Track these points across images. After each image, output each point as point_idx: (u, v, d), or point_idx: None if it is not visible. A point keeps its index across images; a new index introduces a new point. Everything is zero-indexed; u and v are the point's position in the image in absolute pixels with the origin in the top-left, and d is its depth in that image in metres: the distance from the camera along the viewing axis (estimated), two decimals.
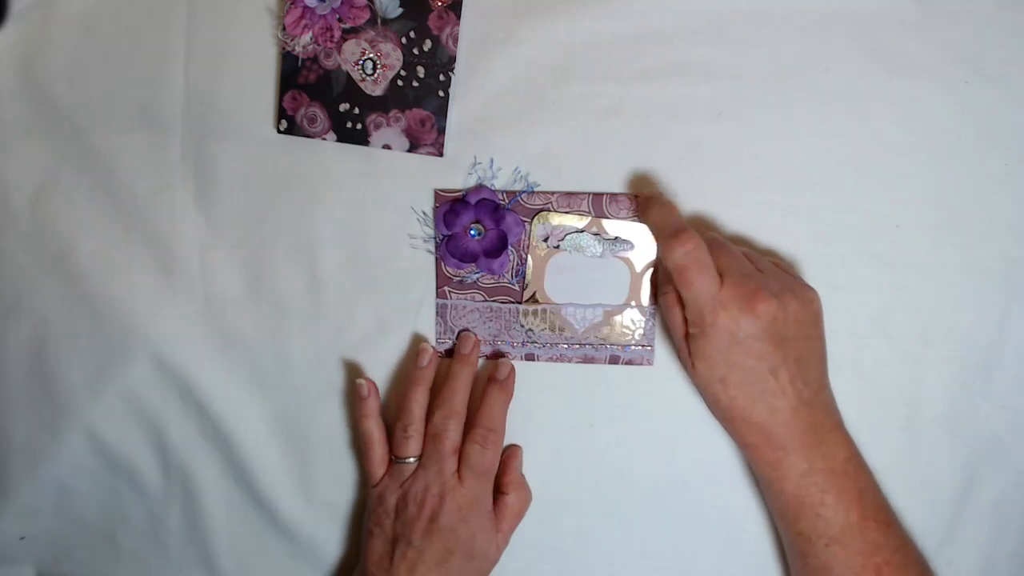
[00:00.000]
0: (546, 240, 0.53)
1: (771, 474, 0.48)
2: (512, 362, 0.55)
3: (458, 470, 0.52)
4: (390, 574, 0.50)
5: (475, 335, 0.54)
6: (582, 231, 0.53)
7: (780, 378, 0.46)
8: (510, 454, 0.55)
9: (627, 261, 0.53)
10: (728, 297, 0.46)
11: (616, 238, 0.53)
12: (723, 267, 0.47)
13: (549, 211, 0.53)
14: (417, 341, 0.55)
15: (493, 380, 0.54)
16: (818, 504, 0.47)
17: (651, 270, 0.53)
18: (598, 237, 0.53)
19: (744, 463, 0.54)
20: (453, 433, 0.52)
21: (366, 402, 0.54)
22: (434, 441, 0.52)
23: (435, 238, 0.54)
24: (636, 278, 0.53)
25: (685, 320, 0.48)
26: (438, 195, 0.54)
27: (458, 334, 0.55)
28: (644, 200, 0.52)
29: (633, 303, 0.54)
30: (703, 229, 0.51)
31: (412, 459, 0.52)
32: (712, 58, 0.52)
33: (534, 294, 0.54)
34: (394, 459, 0.53)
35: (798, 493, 0.47)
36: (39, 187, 0.56)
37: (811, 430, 0.47)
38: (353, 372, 0.56)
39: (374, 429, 0.53)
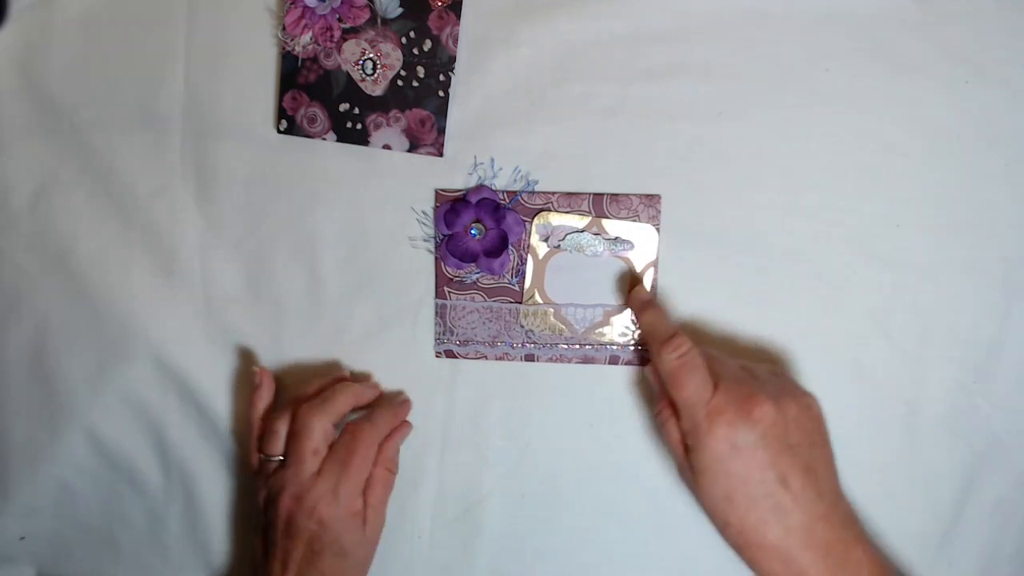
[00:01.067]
0: (546, 240, 0.53)
1: None
2: (512, 363, 0.55)
3: (322, 466, 0.50)
4: (267, 571, 0.49)
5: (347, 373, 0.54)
6: (582, 231, 0.53)
7: (792, 488, 0.43)
8: (398, 428, 0.53)
9: (627, 261, 0.53)
10: (723, 402, 0.44)
11: (616, 238, 0.53)
12: (717, 374, 0.46)
13: (549, 211, 0.53)
14: (418, 339, 0.55)
15: (389, 400, 0.54)
16: None
17: (651, 270, 0.53)
18: (598, 237, 0.53)
19: None
20: (317, 435, 0.50)
21: (259, 391, 0.53)
22: (294, 439, 0.50)
23: (435, 238, 0.54)
24: (635, 279, 0.53)
25: (683, 434, 0.46)
26: (439, 195, 0.54)
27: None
28: (638, 304, 0.52)
29: None
30: (697, 341, 0.51)
31: (276, 457, 0.51)
32: (712, 58, 0.52)
33: (534, 294, 0.54)
34: (263, 457, 0.52)
35: None
36: (39, 187, 0.56)
37: (831, 550, 0.43)
38: (353, 373, 0.56)
39: (258, 421, 0.53)
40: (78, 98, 0.55)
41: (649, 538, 0.55)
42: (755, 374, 0.47)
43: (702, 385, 0.45)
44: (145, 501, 0.57)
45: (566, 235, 0.53)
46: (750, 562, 0.45)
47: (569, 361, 0.55)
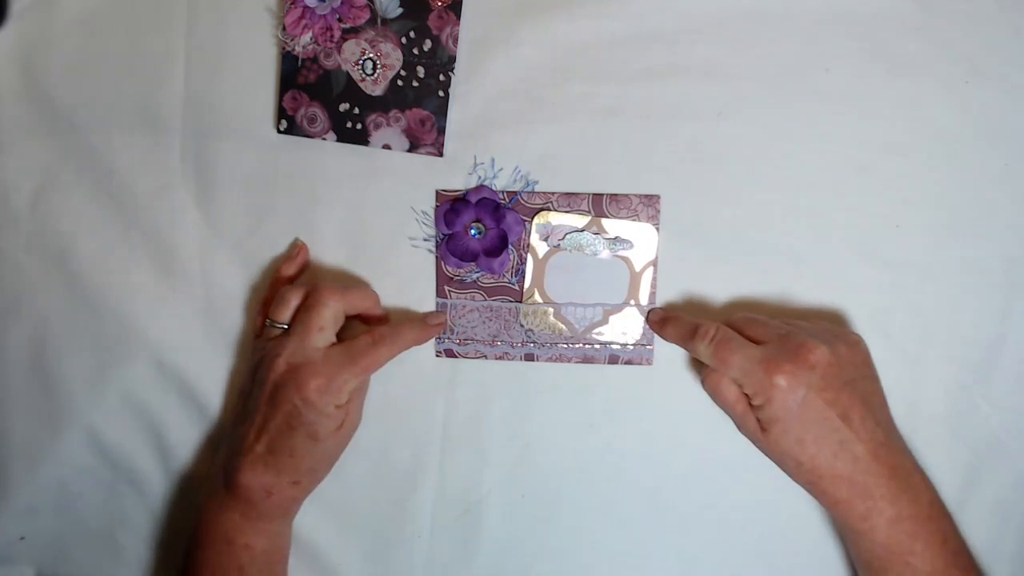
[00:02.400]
0: (546, 239, 0.53)
1: (861, 526, 0.47)
2: (512, 362, 0.55)
3: (331, 349, 0.49)
4: (240, 432, 0.49)
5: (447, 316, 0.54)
6: (582, 230, 0.53)
7: (853, 422, 0.46)
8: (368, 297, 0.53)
9: (627, 260, 0.53)
10: (779, 356, 0.46)
11: (616, 237, 0.53)
12: (761, 336, 0.48)
13: (549, 210, 0.53)
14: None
15: (420, 318, 0.54)
16: (907, 552, 0.46)
17: (651, 269, 0.53)
18: (598, 236, 0.53)
19: (742, 463, 0.54)
20: (329, 312, 0.49)
21: (289, 261, 0.54)
22: (305, 311, 0.50)
23: (435, 237, 0.54)
24: (635, 277, 0.53)
25: (744, 395, 0.48)
26: (440, 195, 0.54)
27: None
28: (657, 324, 0.53)
29: (632, 302, 0.54)
30: (734, 311, 0.52)
31: (282, 325, 0.51)
32: (712, 58, 0.52)
33: (534, 293, 0.54)
34: (269, 323, 0.51)
35: (888, 542, 0.46)
36: (39, 187, 0.56)
37: (894, 474, 0.46)
38: None
39: (273, 287, 0.53)
40: (78, 98, 0.55)
41: (649, 538, 0.55)
42: (798, 326, 0.49)
43: (747, 350, 0.47)
44: (145, 501, 0.58)
45: (566, 235, 0.53)
46: (821, 495, 0.47)
47: (569, 361, 0.55)
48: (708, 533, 0.55)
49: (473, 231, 0.53)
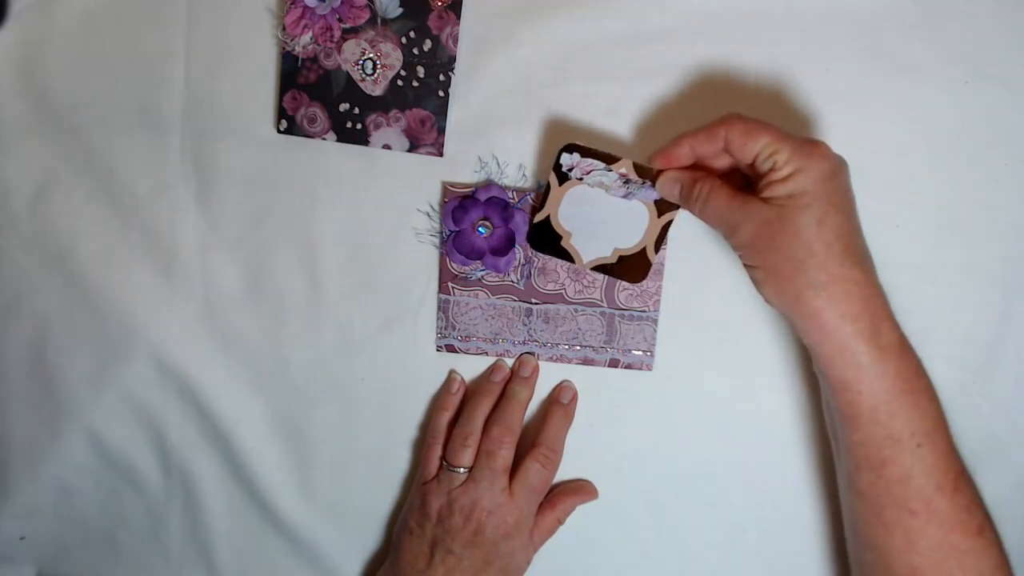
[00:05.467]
0: (570, 171, 0.50)
1: (873, 354, 0.42)
2: (513, 361, 0.55)
3: (511, 484, 0.52)
4: (417, 570, 0.51)
5: (536, 360, 0.55)
6: (610, 170, 0.50)
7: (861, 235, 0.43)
8: (584, 489, 0.55)
9: (650, 206, 0.51)
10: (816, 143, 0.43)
11: (644, 182, 0.49)
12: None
13: (580, 147, 0.49)
14: (419, 339, 0.55)
15: (557, 403, 0.55)
16: (918, 391, 0.42)
17: (670, 220, 0.51)
18: (624, 178, 0.49)
19: (742, 464, 0.54)
20: (507, 452, 0.52)
21: (451, 396, 0.55)
22: (488, 457, 0.52)
23: (441, 233, 0.54)
24: (654, 224, 0.51)
25: (747, 176, 0.45)
26: (446, 189, 0.54)
27: (520, 356, 0.55)
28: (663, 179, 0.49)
29: (632, 311, 0.53)
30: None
31: (463, 469, 0.52)
32: (712, 58, 0.52)
33: (547, 217, 0.52)
34: (446, 465, 0.53)
35: (900, 373, 0.42)
36: (39, 187, 0.56)
37: (886, 303, 0.43)
38: (353, 372, 0.56)
39: (444, 427, 0.54)
40: (78, 98, 0.55)
41: (649, 538, 0.55)
42: None
43: (771, 126, 0.43)
44: (145, 501, 0.58)
45: (592, 170, 0.50)
46: (826, 304, 0.42)
47: (569, 362, 0.55)
48: (708, 533, 0.55)
49: (481, 229, 0.53)
